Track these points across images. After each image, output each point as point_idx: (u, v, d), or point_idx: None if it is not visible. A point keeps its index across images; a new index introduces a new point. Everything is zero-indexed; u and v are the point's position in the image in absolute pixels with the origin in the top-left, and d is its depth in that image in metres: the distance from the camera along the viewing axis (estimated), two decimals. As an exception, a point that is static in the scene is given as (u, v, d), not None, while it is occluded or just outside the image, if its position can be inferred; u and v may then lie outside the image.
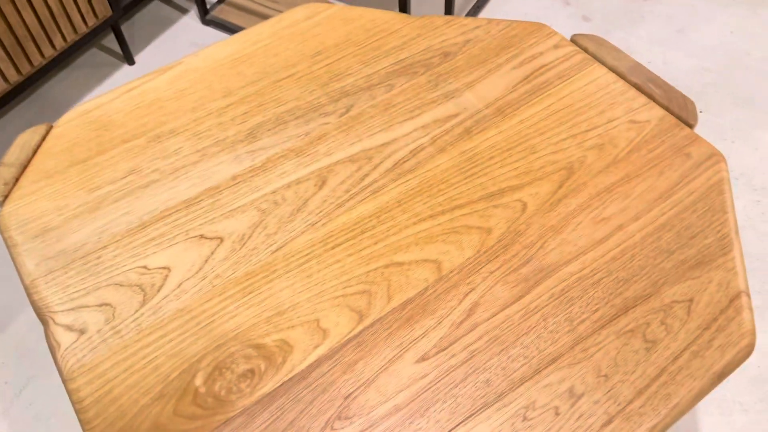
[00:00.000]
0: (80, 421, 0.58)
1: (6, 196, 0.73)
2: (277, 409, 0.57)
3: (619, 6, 1.34)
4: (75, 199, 0.72)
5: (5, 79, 1.04)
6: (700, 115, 1.17)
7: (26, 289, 0.66)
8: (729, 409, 0.84)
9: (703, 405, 0.84)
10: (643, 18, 1.32)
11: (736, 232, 0.68)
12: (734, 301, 0.63)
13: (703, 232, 0.68)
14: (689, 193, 0.71)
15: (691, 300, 0.63)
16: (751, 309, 0.63)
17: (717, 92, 1.20)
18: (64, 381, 0.60)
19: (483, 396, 0.58)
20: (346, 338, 0.61)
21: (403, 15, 0.90)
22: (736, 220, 0.69)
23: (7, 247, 0.70)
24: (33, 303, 0.65)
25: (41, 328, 0.95)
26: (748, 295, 0.64)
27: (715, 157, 0.73)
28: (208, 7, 1.42)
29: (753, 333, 0.61)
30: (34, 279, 0.66)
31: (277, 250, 0.67)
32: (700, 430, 0.83)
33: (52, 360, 0.92)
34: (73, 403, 0.59)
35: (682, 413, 0.58)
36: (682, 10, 1.33)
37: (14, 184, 0.74)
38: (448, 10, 1.26)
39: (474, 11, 1.36)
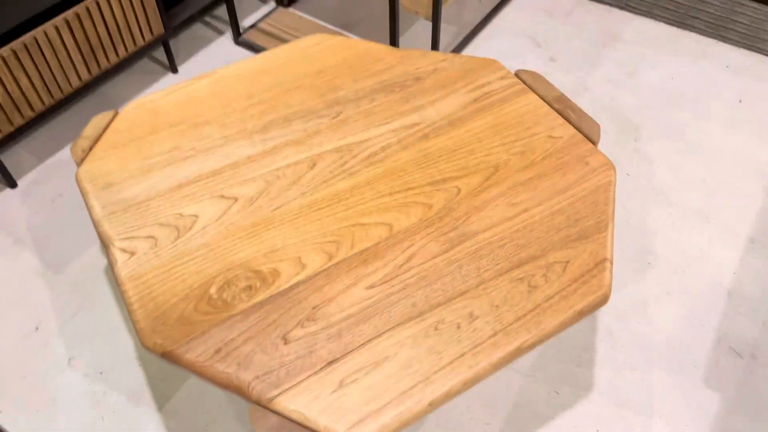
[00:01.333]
0: (129, 312, 0.83)
1: (83, 160, 0.99)
2: (265, 312, 0.82)
3: (582, 50, 1.59)
4: (133, 164, 0.98)
5: (79, 77, 1.32)
6: (634, 143, 1.40)
7: (95, 223, 0.92)
8: (620, 367, 1.06)
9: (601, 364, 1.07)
10: (600, 61, 1.56)
11: (612, 219, 0.92)
12: (599, 264, 0.86)
13: (587, 217, 0.91)
14: (582, 189, 0.94)
15: (568, 262, 0.86)
16: (611, 272, 0.86)
17: (652, 126, 1.43)
18: (119, 285, 0.85)
19: (409, 313, 0.82)
20: (318, 270, 0.86)
21: (389, 47, 1.16)
22: (614, 210, 0.93)
23: (82, 194, 0.95)
24: (99, 233, 0.91)
25: (89, 270, 1.21)
26: (611, 263, 0.87)
27: (607, 165, 0.98)
28: (241, 31, 1.70)
29: (609, 287, 0.85)
30: (100, 217, 0.92)
31: (275, 209, 0.92)
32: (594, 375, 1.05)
33: (96, 293, 1.17)
34: (124, 299, 0.84)
35: (548, 335, 0.81)
36: (635, 57, 1.58)
37: (89, 152, 1.00)
38: (434, 49, 1.52)
39: (458, 50, 1.62)
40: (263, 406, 0.74)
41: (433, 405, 0.75)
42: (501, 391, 1.04)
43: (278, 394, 0.75)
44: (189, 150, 1.00)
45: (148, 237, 0.89)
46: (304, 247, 0.88)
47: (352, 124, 1.03)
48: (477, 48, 1.61)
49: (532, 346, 0.80)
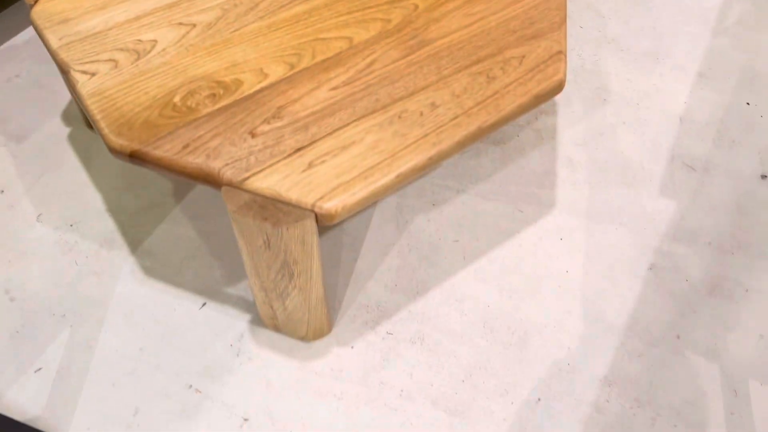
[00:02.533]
0: (93, 122, 0.83)
1: (36, 2, 0.98)
2: (230, 113, 0.82)
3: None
4: (88, 2, 0.97)
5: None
6: (585, 1, 1.44)
7: (52, 54, 0.91)
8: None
9: (560, 183, 1.11)
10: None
11: (564, 21, 0.94)
12: (553, 56, 0.89)
13: (541, 21, 0.93)
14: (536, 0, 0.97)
15: (523, 56, 0.89)
16: (565, 63, 0.89)
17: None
18: (82, 102, 0.85)
19: (373, 107, 0.83)
20: (281, 78, 0.86)
21: None
22: (565, 15, 0.95)
23: (38, 31, 0.94)
24: (57, 62, 0.90)
25: (52, 139, 1.19)
26: (565, 55, 0.90)
27: (558, -20, 0.99)
28: None
29: (563, 75, 0.87)
30: (58, 47, 0.91)
31: (234, 32, 0.92)
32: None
33: (61, 158, 1.16)
34: (88, 114, 0.84)
35: (507, 117, 0.84)
36: None
37: (40, -6, 0.99)
38: None
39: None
40: (235, 187, 0.76)
41: (401, 177, 0.77)
42: (467, 214, 1.06)
43: (249, 176, 0.76)
44: (143, -13, 0.99)
45: (108, 60, 0.88)
46: (265, 60, 0.88)
47: (306, -43, 1.03)
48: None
49: (492, 127, 0.83)
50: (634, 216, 1.06)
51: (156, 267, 1.01)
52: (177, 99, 0.83)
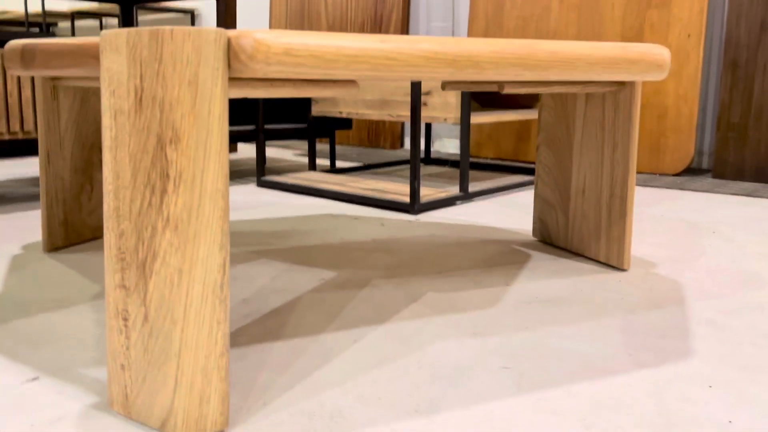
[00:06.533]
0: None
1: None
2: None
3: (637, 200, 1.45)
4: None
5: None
6: (712, 234, 1.15)
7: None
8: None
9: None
10: (660, 203, 1.42)
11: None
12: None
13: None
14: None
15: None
16: (667, 51, 0.63)
17: (728, 227, 1.19)
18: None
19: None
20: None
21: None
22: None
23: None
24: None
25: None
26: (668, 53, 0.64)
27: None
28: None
29: (667, 55, 0.60)
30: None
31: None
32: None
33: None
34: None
35: (577, 58, 0.55)
36: (698, 204, 1.40)
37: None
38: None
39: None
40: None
41: (388, 45, 0.48)
42: (532, 347, 0.67)
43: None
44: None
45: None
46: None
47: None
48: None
49: (552, 59, 0.54)
50: None
51: (4, 338, 0.66)
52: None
